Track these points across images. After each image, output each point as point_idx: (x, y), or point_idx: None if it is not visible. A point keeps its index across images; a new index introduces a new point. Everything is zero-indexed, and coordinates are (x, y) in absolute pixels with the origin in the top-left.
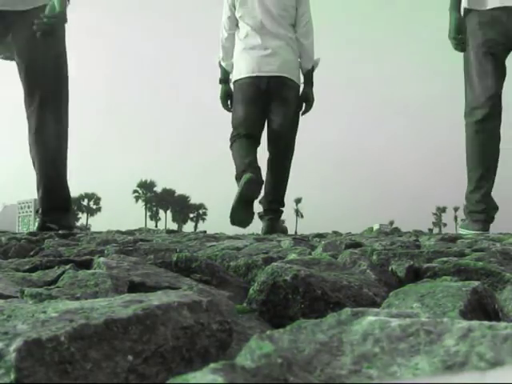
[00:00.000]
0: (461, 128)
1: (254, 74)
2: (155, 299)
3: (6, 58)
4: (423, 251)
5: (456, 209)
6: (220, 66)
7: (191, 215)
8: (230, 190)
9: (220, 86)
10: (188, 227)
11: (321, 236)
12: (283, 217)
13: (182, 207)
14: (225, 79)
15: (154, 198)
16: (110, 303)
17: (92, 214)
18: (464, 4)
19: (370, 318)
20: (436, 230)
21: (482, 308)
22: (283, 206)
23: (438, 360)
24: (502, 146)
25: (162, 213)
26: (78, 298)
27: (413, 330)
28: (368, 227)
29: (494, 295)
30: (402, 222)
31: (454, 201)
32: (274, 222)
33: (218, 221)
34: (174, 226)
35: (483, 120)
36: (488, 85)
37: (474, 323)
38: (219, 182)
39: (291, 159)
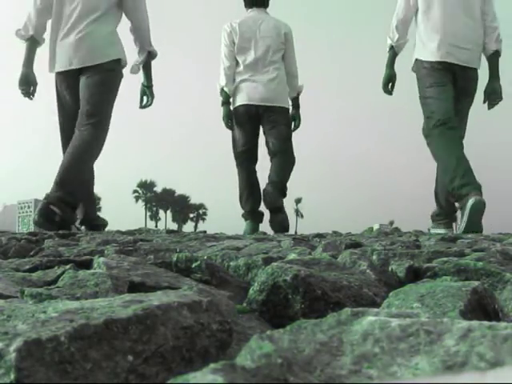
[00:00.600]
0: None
1: (252, 102)
2: (155, 299)
3: (26, 94)
4: (423, 251)
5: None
6: (222, 91)
7: (191, 215)
8: (230, 190)
9: (222, 107)
10: (188, 227)
11: (321, 236)
12: None
13: (182, 207)
14: (226, 102)
15: (153, 198)
16: (110, 303)
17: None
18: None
19: (370, 318)
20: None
21: (482, 308)
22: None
23: (438, 360)
24: (502, 147)
25: (162, 213)
26: (78, 298)
27: (413, 329)
28: (368, 227)
29: (494, 295)
30: (401, 222)
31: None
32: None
33: (218, 221)
34: (174, 226)
35: (443, 124)
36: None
37: (474, 323)
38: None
39: (292, 166)
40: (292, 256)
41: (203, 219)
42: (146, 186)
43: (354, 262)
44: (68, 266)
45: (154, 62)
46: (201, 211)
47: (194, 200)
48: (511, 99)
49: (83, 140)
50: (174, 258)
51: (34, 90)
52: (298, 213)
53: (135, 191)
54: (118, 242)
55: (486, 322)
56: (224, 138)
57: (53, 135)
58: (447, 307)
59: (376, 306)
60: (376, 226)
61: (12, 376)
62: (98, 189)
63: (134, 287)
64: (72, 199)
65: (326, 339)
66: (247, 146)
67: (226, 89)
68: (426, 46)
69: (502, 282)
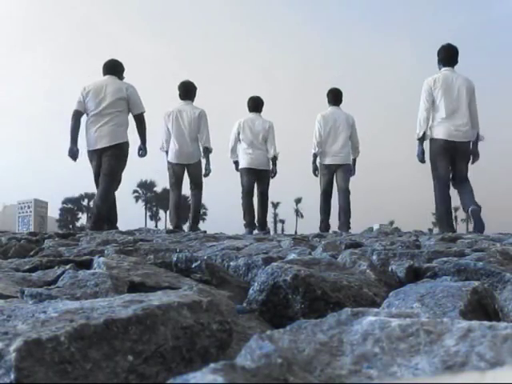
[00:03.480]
0: None
1: (250, 166)
2: (155, 299)
3: (73, 156)
4: (423, 251)
5: (456, 209)
6: (233, 161)
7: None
8: (230, 190)
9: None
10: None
11: (321, 236)
12: (283, 216)
13: (183, 207)
14: (236, 166)
15: (153, 197)
16: (110, 303)
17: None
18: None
19: (370, 318)
20: (436, 230)
21: (482, 308)
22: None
23: (438, 360)
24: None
25: (162, 213)
26: (78, 298)
27: (413, 329)
28: (368, 227)
29: (494, 295)
30: (401, 222)
31: (453, 201)
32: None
33: (218, 221)
34: None
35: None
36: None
37: (474, 323)
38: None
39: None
40: (292, 256)
41: (203, 219)
42: (145, 186)
43: (354, 262)
44: (68, 266)
45: (155, 63)
46: (201, 211)
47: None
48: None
49: (104, 190)
50: (174, 258)
51: (77, 157)
52: (298, 213)
53: (135, 191)
54: (118, 241)
55: (486, 322)
56: (224, 139)
57: (53, 136)
58: (447, 307)
59: (376, 306)
60: (376, 226)
61: (12, 376)
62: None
63: (134, 287)
64: (105, 212)
65: (326, 339)
66: (249, 190)
67: (232, 159)
68: None
69: (502, 281)
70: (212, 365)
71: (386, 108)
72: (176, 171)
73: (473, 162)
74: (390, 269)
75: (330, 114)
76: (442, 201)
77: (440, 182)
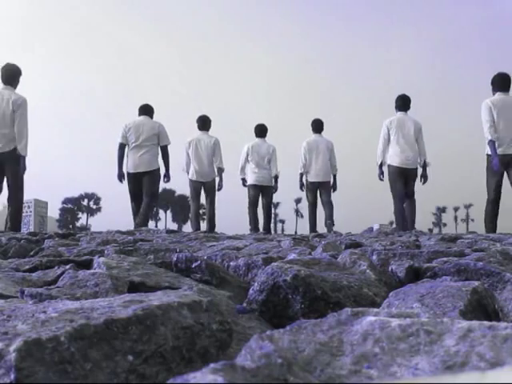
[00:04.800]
0: (459, 129)
1: (256, 183)
2: (155, 299)
3: (120, 178)
4: (423, 251)
5: (456, 209)
6: (241, 178)
7: (191, 215)
8: (230, 190)
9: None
10: (188, 227)
11: (321, 236)
12: (283, 216)
13: (182, 207)
14: (243, 182)
15: (117, 176)
16: (109, 303)
17: (92, 214)
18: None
19: (370, 318)
20: (436, 230)
21: (482, 308)
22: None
23: (438, 360)
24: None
25: (162, 213)
26: (78, 298)
27: (413, 330)
28: (368, 227)
29: (494, 295)
30: None
31: (454, 201)
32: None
33: (218, 221)
34: (174, 226)
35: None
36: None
37: (474, 323)
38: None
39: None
40: (292, 256)
41: (203, 219)
42: None
43: (354, 262)
44: (68, 266)
45: (156, 65)
46: (201, 211)
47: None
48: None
49: (146, 206)
50: (174, 258)
51: (124, 179)
52: (297, 213)
53: None
54: (117, 241)
55: (486, 322)
56: (224, 139)
57: (53, 136)
58: (447, 307)
59: (376, 306)
60: (376, 226)
61: (12, 376)
62: (98, 189)
63: (134, 287)
64: (147, 220)
65: (326, 339)
66: (254, 202)
67: (240, 176)
68: None
69: (502, 281)
70: (212, 365)
71: (386, 108)
72: (195, 187)
73: (423, 183)
74: (389, 269)
75: (313, 141)
76: (399, 211)
77: (396, 197)
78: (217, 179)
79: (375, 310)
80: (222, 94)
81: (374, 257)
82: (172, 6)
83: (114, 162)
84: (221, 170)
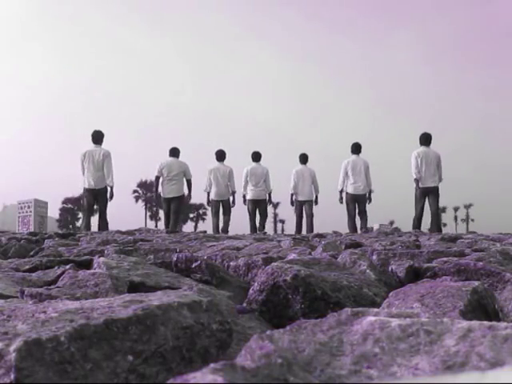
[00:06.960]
0: (458, 128)
1: (254, 198)
2: (155, 299)
3: (157, 198)
4: (423, 251)
5: (456, 209)
6: (243, 195)
7: (191, 215)
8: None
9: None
10: (188, 227)
11: (321, 236)
12: (283, 216)
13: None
14: (244, 199)
15: (153, 198)
16: (109, 303)
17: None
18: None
19: (370, 318)
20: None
21: (482, 308)
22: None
23: (438, 360)
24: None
25: (162, 213)
26: (78, 298)
27: (413, 329)
28: (368, 227)
29: (494, 295)
30: (401, 222)
31: (453, 201)
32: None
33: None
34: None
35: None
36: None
37: (474, 323)
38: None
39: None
40: (292, 256)
41: (203, 219)
42: (145, 186)
43: (354, 262)
44: (68, 266)
45: (156, 63)
46: (201, 211)
47: (193, 200)
48: None
49: (174, 220)
50: (174, 258)
51: (161, 202)
52: None
53: (135, 191)
54: (117, 241)
55: (486, 322)
56: (224, 139)
57: (53, 137)
58: (447, 307)
59: (376, 306)
60: (376, 226)
61: (12, 376)
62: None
63: (134, 287)
64: (175, 227)
65: (326, 339)
66: (253, 213)
67: (243, 192)
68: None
69: (502, 281)
70: (212, 365)
71: (385, 107)
72: (215, 205)
73: (368, 203)
74: (389, 269)
75: (300, 170)
76: (351, 226)
77: (350, 216)
78: (231, 198)
79: (375, 310)
80: (223, 94)
81: (374, 257)
82: (173, 6)
83: (113, 162)
84: (234, 192)
